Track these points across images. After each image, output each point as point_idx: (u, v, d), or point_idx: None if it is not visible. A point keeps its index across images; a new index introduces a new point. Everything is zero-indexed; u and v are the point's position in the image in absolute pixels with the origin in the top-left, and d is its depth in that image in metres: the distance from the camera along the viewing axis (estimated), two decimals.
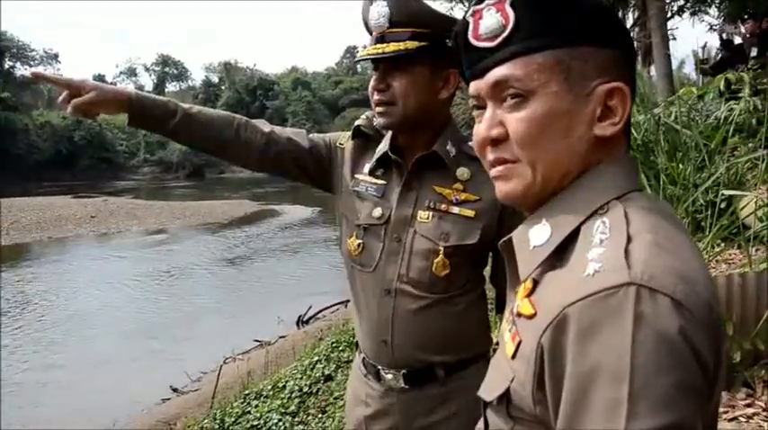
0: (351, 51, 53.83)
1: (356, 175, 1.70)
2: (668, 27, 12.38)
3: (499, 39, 0.81)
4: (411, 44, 1.49)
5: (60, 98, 1.59)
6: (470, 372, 1.60)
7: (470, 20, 0.83)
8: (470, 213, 1.56)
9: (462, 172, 1.59)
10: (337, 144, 1.76)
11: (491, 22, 0.81)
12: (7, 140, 41.69)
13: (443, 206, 1.58)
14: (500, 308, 1.61)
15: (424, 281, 1.58)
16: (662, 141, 5.00)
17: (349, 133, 1.76)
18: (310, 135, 1.78)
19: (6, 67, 48.33)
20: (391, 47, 1.50)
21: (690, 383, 0.64)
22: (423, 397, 1.62)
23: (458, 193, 1.58)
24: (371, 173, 1.68)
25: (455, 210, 1.57)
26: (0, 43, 47.02)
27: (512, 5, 0.79)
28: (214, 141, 1.71)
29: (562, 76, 0.78)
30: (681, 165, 4.64)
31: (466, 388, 1.57)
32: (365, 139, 1.71)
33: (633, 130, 5.33)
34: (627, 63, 0.83)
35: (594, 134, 0.80)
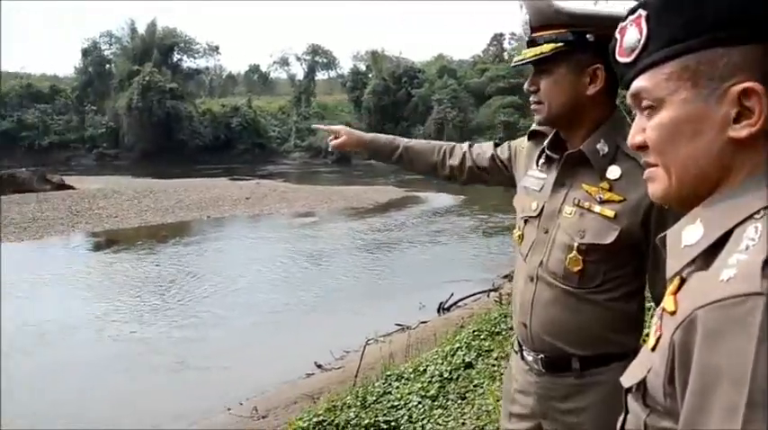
0: (497, 39, 52.62)
1: (528, 172, 1.82)
2: None
3: (635, 53, 0.85)
4: (546, 47, 1.57)
5: (329, 139, 2.23)
6: (609, 370, 1.60)
7: (618, 36, 0.89)
8: (610, 213, 1.57)
9: (614, 170, 1.58)
10: (520, 148, 1.93)
11: (630, 37, 0.86)
12: (174, 127, 45.57)
13: (587, 204, 1.61)
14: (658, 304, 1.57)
15: (559, 273, 1.64)
16: None
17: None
18: (499, 146, 2.02)
19: (175, 60, 52.39)
20: (531, 52, 1.60)
21: None
22: (558, 384, 1.69)
23: (603, 192, 1.59)
24: (538, 168, 1.77)
25: (597, 208, 1.59)
26: (171, 40, 51.12)
27: (646, 20, 0.83)
28: (425, 166, 2.16)
29: (689, 83, 0.80)
30: None
31: (601, 384, 1.61)
32: (541, 138, 1.78)
33: None
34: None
35: (729, 136, 0.78)
